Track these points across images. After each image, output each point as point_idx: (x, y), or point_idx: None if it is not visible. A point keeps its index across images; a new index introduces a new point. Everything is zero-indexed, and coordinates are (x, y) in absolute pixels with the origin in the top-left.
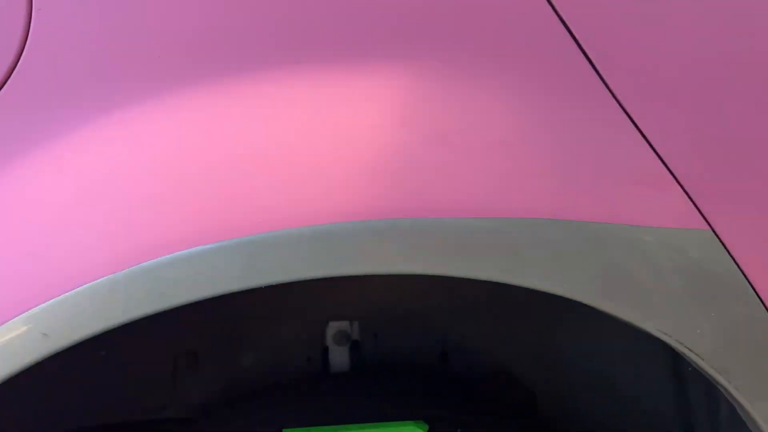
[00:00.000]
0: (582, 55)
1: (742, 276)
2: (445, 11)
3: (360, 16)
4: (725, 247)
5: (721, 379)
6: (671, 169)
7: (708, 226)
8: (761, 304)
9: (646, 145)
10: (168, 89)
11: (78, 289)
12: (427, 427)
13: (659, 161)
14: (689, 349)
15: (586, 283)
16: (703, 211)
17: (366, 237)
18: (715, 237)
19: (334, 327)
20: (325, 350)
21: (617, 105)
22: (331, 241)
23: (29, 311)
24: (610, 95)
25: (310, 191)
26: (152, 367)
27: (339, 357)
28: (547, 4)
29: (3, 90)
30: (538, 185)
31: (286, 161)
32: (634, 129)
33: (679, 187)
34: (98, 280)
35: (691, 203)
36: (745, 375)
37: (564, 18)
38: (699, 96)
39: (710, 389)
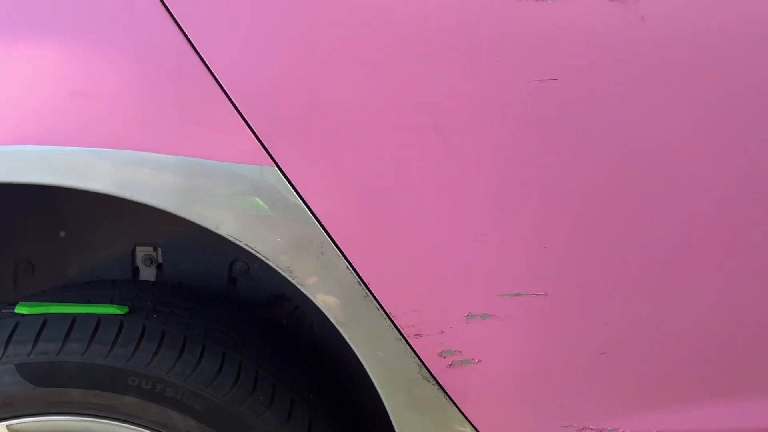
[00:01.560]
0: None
1: (301, 201)
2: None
3: None
4: (287, 178)
5: (286, 275)
6: (247, 119)
7: (274, 164)
8: (315, 220)
9: (230, 103)
10: None
11: None
12: (127, 309)
13: (238, 114)
14: (257, 252)
15: (174, 199)
16: (270, 151)
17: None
18: (277, 170)
19: (142, 251)
20: (136, 270)
21: (209, 74)
22: None
23: None
24: (205, 69)
25: None
26: None
27: (148, 275)
28: None
29: None
30: (154, 128)
31: None
32: (222, 93)
33: (252, 134)
34: None
35: (260, 145)
36: (303, 274)
37: None
38: (273, 56)
39: None
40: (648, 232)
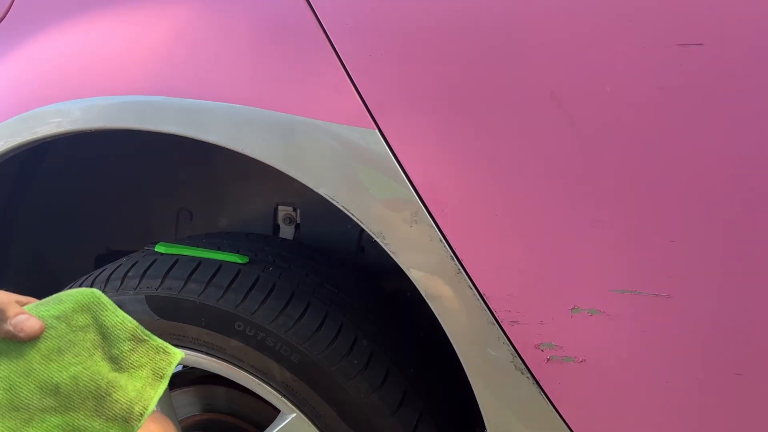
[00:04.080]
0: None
1: (399, 167)
2: None
3: None
4: (387, 143)
5: (379, 240)
6: (354, 81)
7: (375, 127)
8: (411, 187)
9: (339, 63)
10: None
11: None
12: (247, 259)
13: (346, 75)
14: (351, 214)
15: (279, 154)
16: (374, 115)
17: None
18: (378, 134)
19: (283, 210)
20: (277, 227)
21: (322, 31)
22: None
23: None
24: (320, 29)
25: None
26: (162, 217)
27: (286, 233)
28: None
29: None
30: (267, 85)
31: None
32: (333, 53)
33: (358, 97)
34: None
35: (365, 108)
36: (394, 241)
37: None
38: (386, 16)
39: None
40: None
